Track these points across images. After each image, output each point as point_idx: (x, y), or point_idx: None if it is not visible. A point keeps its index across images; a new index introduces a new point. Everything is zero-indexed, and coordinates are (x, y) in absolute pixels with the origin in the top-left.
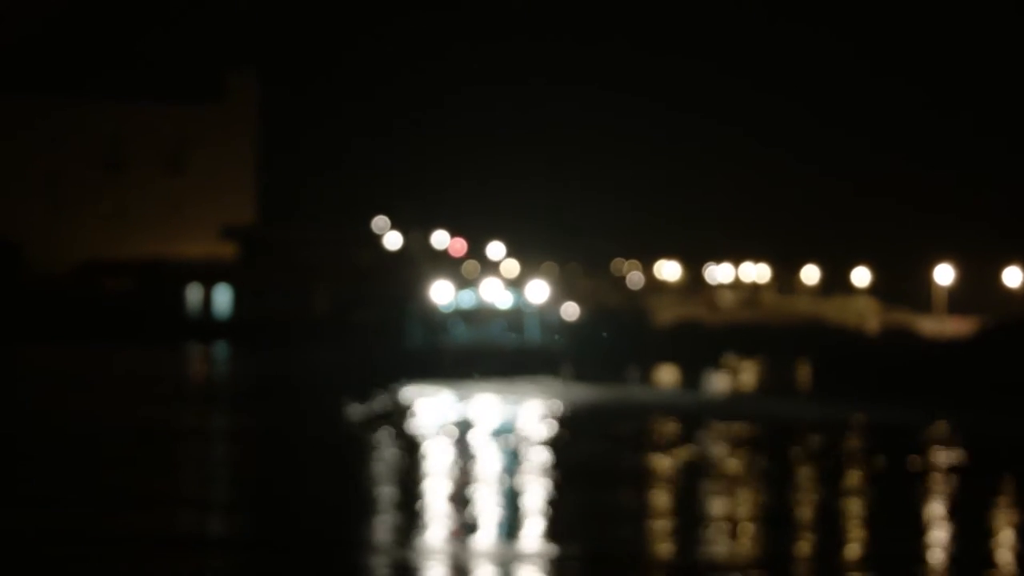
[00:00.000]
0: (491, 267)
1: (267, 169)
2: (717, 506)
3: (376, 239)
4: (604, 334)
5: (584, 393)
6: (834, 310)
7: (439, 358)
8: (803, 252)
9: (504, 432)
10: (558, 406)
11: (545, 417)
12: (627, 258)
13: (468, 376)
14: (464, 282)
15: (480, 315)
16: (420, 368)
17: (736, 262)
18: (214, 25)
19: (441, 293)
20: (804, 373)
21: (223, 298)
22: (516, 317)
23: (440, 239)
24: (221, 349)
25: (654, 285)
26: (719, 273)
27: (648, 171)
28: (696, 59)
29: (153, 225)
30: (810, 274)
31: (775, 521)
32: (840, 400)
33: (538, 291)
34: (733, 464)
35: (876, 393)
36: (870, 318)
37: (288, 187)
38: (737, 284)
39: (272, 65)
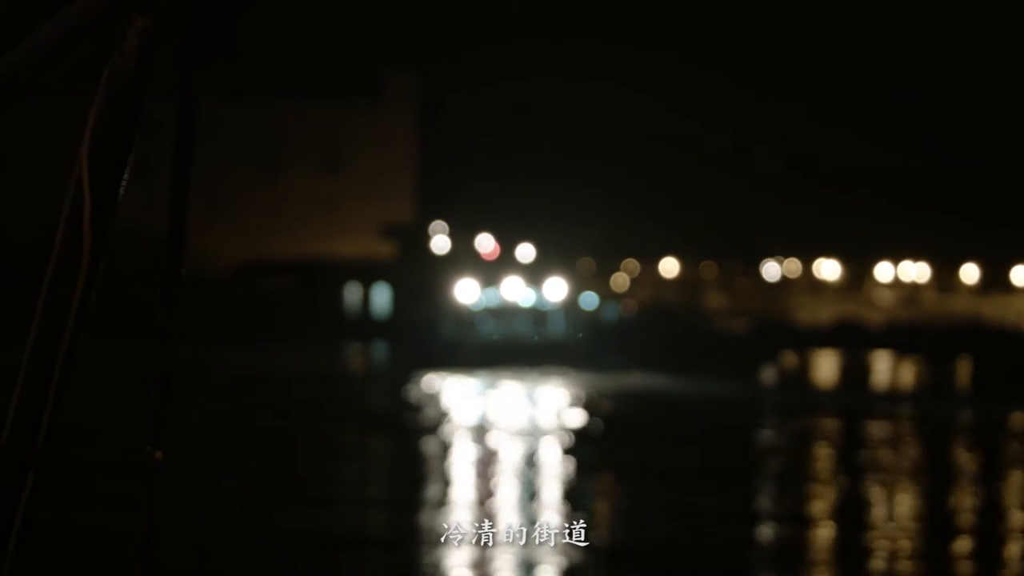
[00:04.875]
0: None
1: (426, 167)
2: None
3: (427, 240)
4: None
5: (602, 383)
6: (994, 309)
7: (469, 350)
8: (963, 251)
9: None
10: (585, 394)
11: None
12: (785, 256)
13: (494, 366)
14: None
15: (506, 312)
16: (452, 358)
17: (895, 261)
18: (373, 23)
19: (468, 292)
20: (963, 372)
21: (382, 297)
22: (540, 313)
23: (485, 242)
24: (379, 348)
25: (812, 283)
26: (879, 272)
27: (805, 169)
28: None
29: (310, 224)
30: (969, 273)
31: (931, 524)
32: (999, 399)
33: (558, 289)
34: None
35: None
36: None
37: (445, 186)
38: (896, 283)
39: (432, 63)
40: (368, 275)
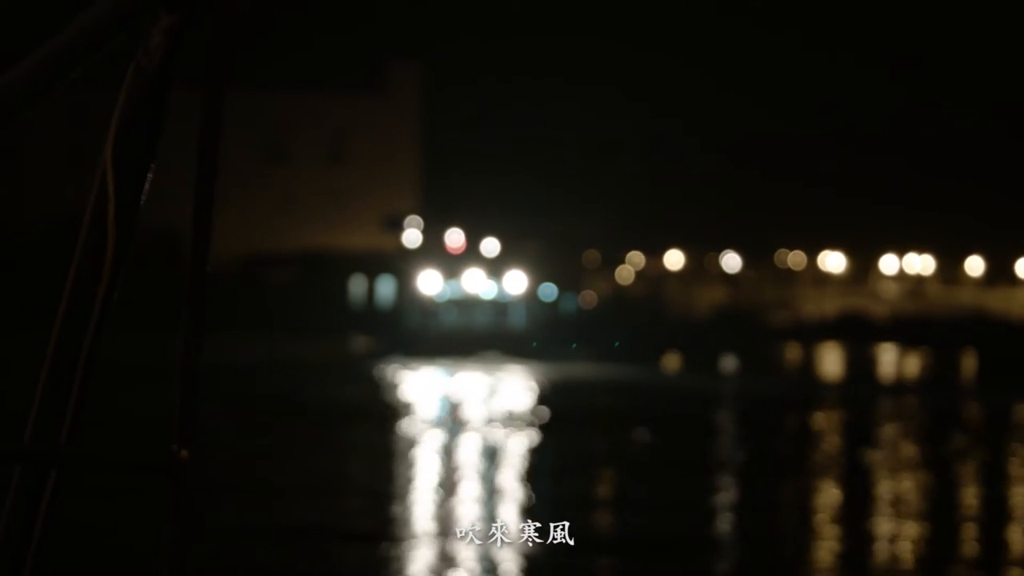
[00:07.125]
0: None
1: (431, 159)
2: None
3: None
4: (616, 343)
5: (556, 372)
6: (998, 301)
7: (432, 341)
8: (967, 244)
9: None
10: (544, 382)
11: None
12: (790, 248)
13: (455, 356)
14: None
15: (468, 303)
16: (416, 348)
17: (900, 254)
18: (377, 15)
19: (431, 284)
20: (968, 364)
21: (386, 289)
22: (501, 305)
23: (454, 236)
24: (362, 340)
25: (817, 275)
26: (883, 265)
27: (811, 160)
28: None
29: (315, 216)
30: (974, 265)
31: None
32: (1004, 391)
33: (518, 281)
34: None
35: None
36: None
37: (450, 178)
38: (901, 276)
39: (437, 55)
40: (373, 267)
